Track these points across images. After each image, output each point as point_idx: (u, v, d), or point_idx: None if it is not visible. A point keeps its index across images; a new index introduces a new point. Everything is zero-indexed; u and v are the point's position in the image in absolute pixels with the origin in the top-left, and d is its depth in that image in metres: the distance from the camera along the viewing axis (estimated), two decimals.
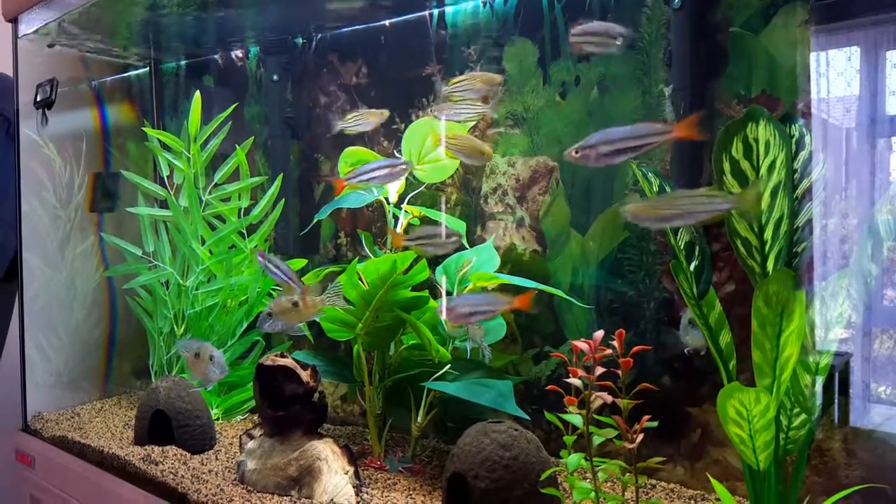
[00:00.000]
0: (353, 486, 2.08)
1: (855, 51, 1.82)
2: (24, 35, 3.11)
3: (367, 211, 2.85)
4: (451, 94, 1.98)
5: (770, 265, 1.57)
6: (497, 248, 2.40)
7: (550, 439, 2.23)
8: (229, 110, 2.98)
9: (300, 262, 2.86)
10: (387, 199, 2.43)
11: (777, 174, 1.54)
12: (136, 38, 3.33)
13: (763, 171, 1.55)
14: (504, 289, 2.39)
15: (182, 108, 3.48)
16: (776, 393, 1.53)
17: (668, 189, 1.73)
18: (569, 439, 1.67)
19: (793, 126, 1.62)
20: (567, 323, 2.35)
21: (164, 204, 3.06)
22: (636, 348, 1.63)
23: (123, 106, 3.63)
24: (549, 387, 1.77)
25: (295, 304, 2.11)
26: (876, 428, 1.83)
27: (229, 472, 2.30)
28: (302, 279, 2.44)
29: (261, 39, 3.19)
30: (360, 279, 2.18)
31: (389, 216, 2.44)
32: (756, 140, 1.55)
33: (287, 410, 2.17)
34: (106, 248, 3.31)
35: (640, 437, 1.60)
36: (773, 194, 1.55)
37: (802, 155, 1.60)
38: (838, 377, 1.74)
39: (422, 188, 2.49)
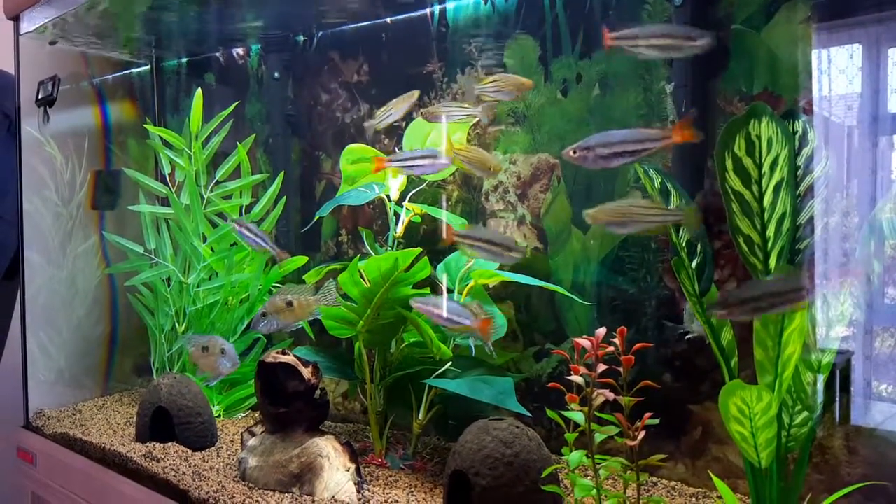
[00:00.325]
0: (355, 484, 2.08)
1: (857, 48, 1.82)
2: (26, 33, 3.11)
3: (368, 208, 2.85)
4: (483, 92, 1.97)
5: (772, 262, 1.57)
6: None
7: (552, 437, 2.23)
8: (231, 108, 2.99)
9: (301, 260, 2.86)
10: (388, 196, 2.43)
11: (780, 171, 1.54)
12: (137, 36, 3.33)
13: (766, 168, 1.54)
14: (503, 290, 2.41)
15: (183, 105, 3.48)
16: (778, 391, 1.53)
17: (670, 187, 1.73)
18: (570, 437, 1.67)
19: (795, 122, 1.62)
20: (568, 320, 2.35)
21: (165, 201, 3.06)
22: (637, 346, 1.63)
23: (125, 103, 3.63)
24: (550, 384, 1.77)
25: (289, 304, 2.12)
26: (877, 426, 1.83)
27: (231, 469, 2.30)
28: (303, 277, 2.45)
29: (262, 37, 3.19)
30: (362, 276, 2.18)
31: (391, 213, 2.44)
32: (759, 137, 1.54)
33: (288, 407, 2.17)
34: (107, 245, 3.31)
35: (642, 434, 1.60)
36: (776, 191, 1.55)
37: (805, 151, 1.60)
38: (840, 375, 1.74)
39: (423, 186, 2.49)
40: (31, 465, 2.90)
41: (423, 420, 2.31)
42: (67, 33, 3.18)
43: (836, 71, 1.84)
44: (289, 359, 2.16)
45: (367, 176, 2.49)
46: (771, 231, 1.56)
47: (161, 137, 2.98)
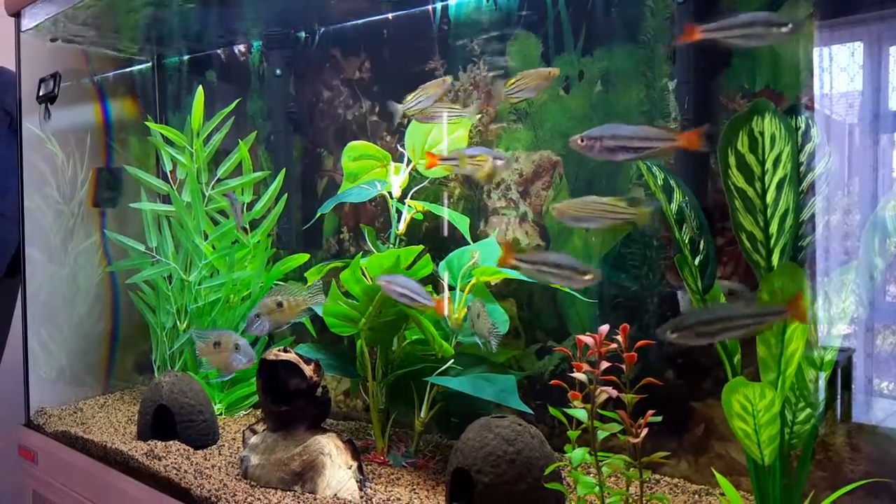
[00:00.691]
0: (357, 481, 2.08)
1: (858, 46, 1.82)
2: (27, 29, 3.10)
3: (370, 206, 2.85)
4: (510, 95, 1.95)
5: (775, 259, 1.57)
6: (500, 243, 2.39)
7: (554, 434, 2.23)
8: (232, 105, 2.98)
9: (303, 257, 2.86)
10: (390, 193, 2.43)
11: (783, 168, 1.53)
12: (138, 33, 3.33)
13: (769, 164, 1.54)
14: (505, 287, 2.41)
15: (185, 103, 3.48)
16: (781, 388, 1.53)
17: (672, 183, 1.73)
18: (573, 434, 1.66)
19: (798, 118, 1.61)
20: (570, 318, 2.35)
21: (167, 199, 3.06)
22: (640, 343, 1.63)
23: (126, 101, 3.63)
24: (552, 382, 1.77)
25: (280, 305, 2.12)
26: (879, 423, 1.83)
27: (232, 467, 2.30)
28: (305, 274, 2.45)
29: (264, 34, 3.18)
30: (364, 274, 2.18)
31: (392, 211, 2.43)
32: (762, 133, 1.54)
33: (290, 405, 2.17)
34: (108, 243, 3.31)
35: (645, 431, 1.60)
36: (779, 188, 1.54)
37: (808, 148, 1.60)
38: (842, 372, 1.74)
39: (425, 183, 2.48)
40: (33, 463, 2.90)
41: (425, 418, 2.31)
42: (68, 30, 3.17)
43: (838, 69, 1.84)
44: (290, 356, 2.16)
45: (368, 173, 2.49)
46: (774, 228, 1.56)
47: (162, 135, 2.97)
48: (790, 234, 1.55)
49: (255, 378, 2.41)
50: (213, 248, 2.93)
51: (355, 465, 2.11)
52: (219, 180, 2.95)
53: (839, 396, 1.79)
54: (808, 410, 1.60)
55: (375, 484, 2.15)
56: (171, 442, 2.50)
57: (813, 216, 1.61)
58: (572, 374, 1.64)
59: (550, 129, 2.36)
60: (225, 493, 2.07)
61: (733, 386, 1.50)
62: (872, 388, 1.83)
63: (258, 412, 2.92)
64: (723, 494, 1.72)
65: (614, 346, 1.63)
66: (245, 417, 2.92)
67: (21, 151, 3.12)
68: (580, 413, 1.64)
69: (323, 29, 3.02)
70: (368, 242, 2.52)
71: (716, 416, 2.05)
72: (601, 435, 1.63)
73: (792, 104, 1.84)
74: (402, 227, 2.44)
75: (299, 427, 2.18)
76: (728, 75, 2.00)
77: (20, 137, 3.11)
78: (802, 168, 1.60)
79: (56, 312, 3.28)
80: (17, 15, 3.11)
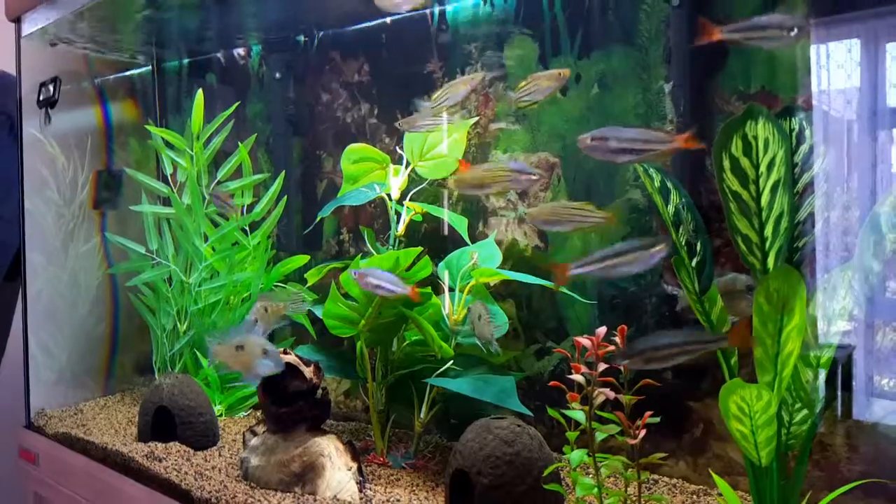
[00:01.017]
0: (357, 483, 2.09)
1: (855, 43, 1.82)
2: (28, 34, 3.11)
3: (370, 207, 2.86)
4: (520, 99, 1.95)
5: (771, 262, 1.58)
6: (499, 244, 2.40)
7: (553, 435, 2.24)
8: (232, 108, 2.99)
9: (303, 259, 2.87)
10: (389, 195, 2.43)
11: (776, 171, 1.54)
12: (138, 37, 3.33)
13: (763, 168, 1.55)
14: (504, 288, 2.41)
15: (185, 106, 3.48)
16: (777, 389, 1.54)
17: (669, 185, 1.73)
18: (571, 435, 1.67)
19: (793, 119, 1.62)
20: (569, 319, 2.36)
21: (167, 201, 3.07)
22: None
23: (126, 104, 3.63)
24: (551, 383, 1.77)
25: (265, 310, 2.14)
26: (878, 422, 1.83)
27: (233, 468, 2.31)
28: (305, 276, 2.46)
29: (263, 37, 3.19)
30: None
31: (392, 212, 2.44)
32: (755, 138, 1.55)
33: (290, 407, 2.17)
34: (109, 245, 3.32)
35: (643, 432, 1.60)
36: (773, 191, 1.55)
37: (803, 149, 1.61)
38: (841, 371, 1.75)
39: (424, 184, 2.49)
40: (33, 465, 2.90)
41: (425, 419, 2.32)
42: (69, 34, 3.18)
43: (835, 66, 1.84)
44: (290, 358, 2.17)
45: (368, 176, 2.50)
46: (769, 230, 1.57)
47: (162, 138, 2.98)
48: (785, 237, 1.56)
49: None
50: (213, 249, 2.94)
51: (355, 466, 2.12)
52: (219, 183, 2.96)
53: (838, 395, 1.80)
54: (805, 411, 1.61)
55: (375, 485, 2.15)
56: (171, 443, 2.51)
57: (809, 217, 1.62)
58: (571, 376, 1.65)
59: (548, 132, 2.37)
60: (225, 495, 2.08)
61: (730, 387, 1.51)
62: (873, 385, 1.84)
63: (258, 413, 2.93)
64: (721, 495, 1.73)
65: (612, 347, 1.64)
66: (245, 419, 2.93)
67: (21, 155, 3.12)
68: (578, 414, 1.65)
69: (322, 32, 3.02)
70: (368, 244, 2.52)
71: (714, 416, 2.05)
72: (599, 436, 1.64)
73: (787, 105, 1.84)
74: (401, 228, 2.44)
75: (299, 428, 2.18)
76: (723, 77, 2.01)
77: (21, 141, 3.12)
78: (798, 170, 1.60)
79: (56, 314, 3.29)
80: (17, 20, 3.11)
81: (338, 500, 2.03)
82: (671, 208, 1.70)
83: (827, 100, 1.85)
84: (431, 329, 2.15)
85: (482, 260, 2.27)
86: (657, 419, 1.63)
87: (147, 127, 3.03)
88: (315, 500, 2.03)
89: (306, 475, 2.08)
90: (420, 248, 2.16)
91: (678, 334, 1.54)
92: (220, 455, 2.46)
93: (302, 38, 3.09)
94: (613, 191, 2.22)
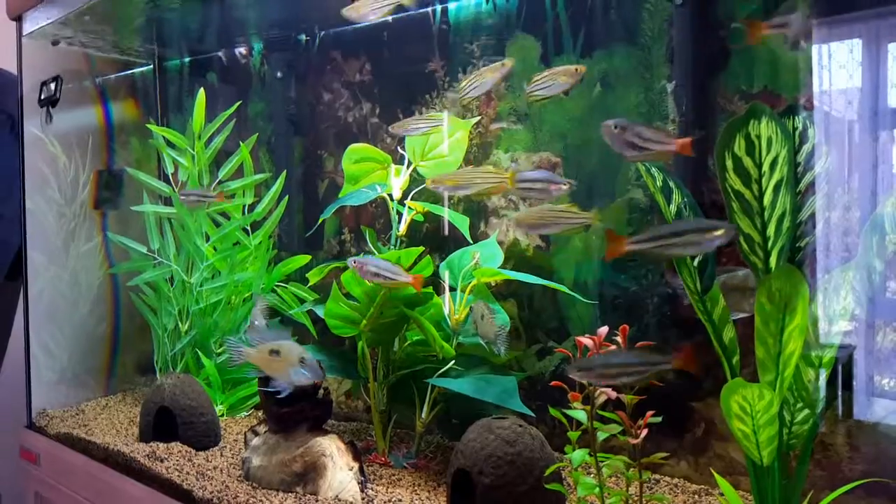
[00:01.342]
0: (358, 483, 2.09)
1: (857, 43, 1.82)
2: (29, 33, 3.11)
3: (371, 207, 2.86)
4: (532, 93, 1.90)
5: (773, 261, 1.57)
6: (500, 244, 2.40)
7: (554, 435, 2.24)
8: (233, 108, 2.99)
9: (304, 259, 2.87)
10: (390, 195, 2.43)
11: (779, 171, 1.54)
12: (140, 36, 3.33)
13: (765, 167, 1.55)
14: (506, 288, 2.41)
15: (186, 105, 3.48)
16: (779, 388, 1.54)
17: (671, 185, 1.73)
18: (573, 435, 1.67)
19: (795, 119, 1.62)
20: (571, 318, 2.35)
21: (168, 201, 3.07)
22: (639, 344, 1.63)
23: (127, 103, 3.64)
24: (553, 383, 1.77)
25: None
26: (880, 421, 1.83)
27: (234, 468, 2.31)
28: (307, 275, 2.46)
29: (264, 37, 3.19)
30: None
31: (393, 212, 2.44)
32: (758, 137, 1.54)
33: (292, 407, 2.17)
34: (110, 244, 3.32)
35: (644, 432, 1.60)
36: (776, 190, 1.55)
37: (805, 148, 1.61)
38: (842, 371, 1.74)
39: (425, 184, 2.49)
40: (35, 464, 2.90)
41: (427, 419, 2.31)
42: (70, 33, 3.18)
43: (837, 66, 1.84)
44: None
45: (369, 176, 2.50)
46: (771, 230, 1.56)
47: (164, 137, 2.98)
48: (788, 236, 1.56)
49: (256, 379, 2.42)
50: (215, 249, 2.94)
51: (357, 466, 2.12)
52: (220, 182, 2.96)
53: (839, 395, 1.80)
54: (807, 411, 1.61)
55: (377, 485, 2.15)
56: (172, 443, 2.51)
57: (811, 216, 1.61)
58: (572, 375, 1.65)
59: (550, 131, 2.37)
60: (227, 495, 2.08)
61: (732, 387, 1.51)
62: (874, 385, 1.84)
63: (260, 413, 2.93)
64: (722, 494, 1.72)
65: (613, 347, 1.64)
66: (247, 419, 2.93)
67: (22, 154, 3.12)
68: (580, 414, 1.65)
69: (323, 32, 3.02)
70: (369, 244, 2.52)
71: (716, 416, 2.05)
72: (601, 436, 1.63)
73: (789, 105, 1.84)
74: (402, 228, 2.44)
75: (301, 428, 2.18)
76: (726, 77, 2.01)
77: (21, 140, 3.12)
78: (800, 169, 1.60)
79: (58, 314, 3.29)
80: (18, 19, 3.12)
81: (339, 500, 2.03)
82: (673, 207, 1.70)
83: (829, 100, 1.85)
84: (433, 329, 2.14)
85: (484, 260, 2.27)
86: (659, 419, 1.63)
87: (148, 126, 3.03)
88: (317, 501, 2.03)
89: (308, 475, 2.08)
90: (421, 248, 2.16)
91: (629, 355, 1.55)
92: (221, 455, 2.46)
93: (304, 37, 3.09)
94: (615, 190, 2.22)
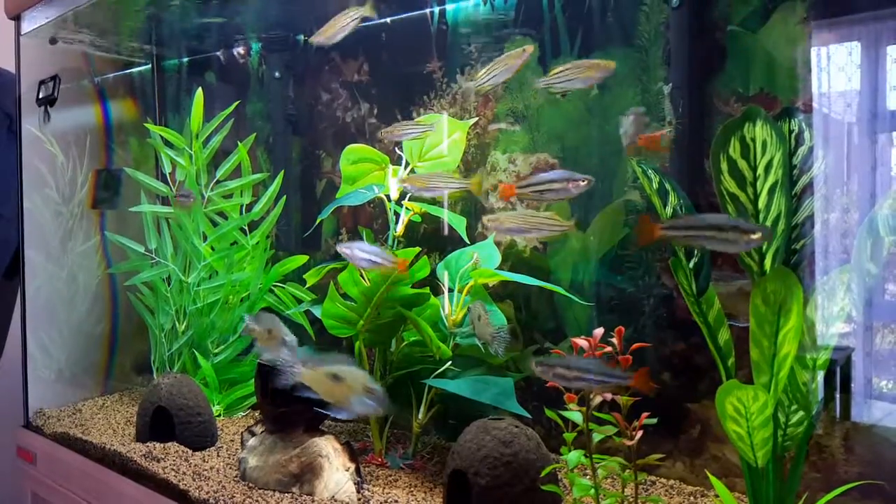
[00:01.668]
0: (355, 483, 2.09)
1: (855, 45, 1.82)
2: (27, 32, 3.11)
3: (369, 207, 2.86)
4: (550, 85, 1.80)
5: (768, 263, 1.58)
6: (498, 245, 2.40)
7: (550, 436, 2.24)
8: (231, 107, 2.99)
9: (302, 259, 2.87)
10: (388, 195, 2.43)
11: (774, 173, 1.54)
12: (138, 35, 3.34)
13: (760, 170, 1.55)
14: (503, 289, 2.41)
15: (184, 104, 3.49)
16: (774, 390, 1.54)
17: (668, 187, 1.73)
18: (569, 436, 1.68)
19: (792, 121, 1.62)
20: (567, 319, 2.36)
21: (166, 200, 3.07)
22: (635, 345, 1.64)
23: (126, 102, 3.64)
24: (549, 384, 1.77)
25: (268, 334, 2.12)
26: (876, 423, 1.83)
27: (231, 468, 2.31)
28: (304, 276, 2.46)
29: (263, 36, 3.19)
30: (362, 276, 2.19)
31: (390, 213, 2.44)
32: (753, 140, 1.55)
33: (288, 407, 2.17)
34: (108, 244, 3.32)
35: (640, 433, 1.61)
36: (771, 193, 1.55)
37: (801, 151, 1.61)
38: (839, 372, 1.75)
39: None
40: (31, 464, 2.91)
41: (423, 419, 2.32)
42: (68, 32, 3.18)
43: (835, 68, 1.85)
44: None
45: (367, 176, 2.50)
46: None
47: (162, 136, 2.98)
48: (782, 239, 1.56)
49: (253, 379, 2.42)
50: (212, 249, 2.94)
51: (353, 466, 2.12)
52: (218, 182, 2.96)
53: (836, 397, 1.80)
54: (802, 413, 1.61)
55: (373, 486, 2.15)
56: (169, 443, 2.51)
57: (807, 219, 1.62)
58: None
59: (547, 132, 2.37)
60: (223, 495, 2.08)
61: (727, 389, 1.51)
62: (871, 387, 1.84)
63: (256, 414, 2.93)
64: (717, 496, 1.73)
65: (609, 348, 1.64)
66: (243, 419, 2.93)
67: (20, 153, 3.12)
68: (576, 416, 1.65)
69: None
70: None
71: (711, 417, 2.05)
72: (597, 437, 1.64)
73: (786, 107, 1.85)
74: (400, 229, 2.44)
75: (297, 429, 2.18)
76: (722, 79, 2.01)
77: (20, 139, 3.12)
78: (796, 171, 1.60)
79: (55, 313, 3.29)
80: (16, 18, 3.12)
81: (336, 500, 2.04)
82: (669, 210, 1.70)
83: (826, 102, 1.86)
84: (430, 330, 2.15)
85: (481, 260, 2.27)
86: (654, 420, 1.63)
87: (146, 125, 3.03)
88: (313, 501, 2.03)
89: (304, 476, 2.09)
90: (418, 249, 2.16)
91: (590, 363, 1.54)
92: (218, 455, 2.46)
93: (302, 36, 3.09)
94: (612, 192, 2.22)
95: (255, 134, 3.03)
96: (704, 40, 2.03)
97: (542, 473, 1.77)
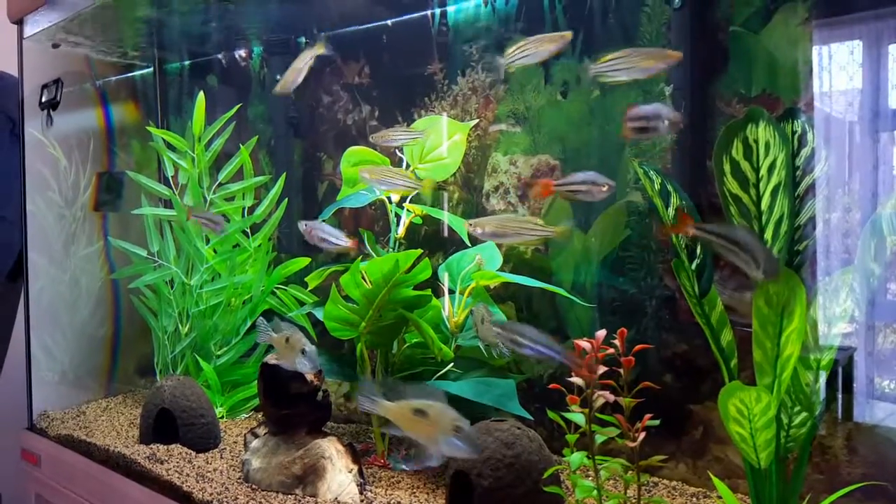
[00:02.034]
0: (357, 485, 2.09)
1: (857, 45, 1.82)
2: (30, 36, 3.12)
3: (370, 210, 2.86)
4: (602, 73, 1.70)
5: None
6: (499, 247, 2.40)
7: (553, 437, 2.24)
8: (233, 110, 3.00)
9: (304, 261, 2.87)
10: (389, 198, 2.44)
11: (777, 174, 1.54)
12: (140, 39, 3.34)
13: (763, 171, 1.55)
14: (504, 290, 2.42)
15: (186, 108, 3.49)
16: (777, 391, 1.54)
17: (670, 188, 1.73)
18: (571, 438, 1.67)
19: (795, 122, 1.62)
20: (569, 321, 2.36)
21: (168, 203, 3.07)
22: (638, 347, 1.63)
23: (128, 106, 3.65)
24: (551, 385, 1.77)
25: (286, 341, 2.12)
26: (879, 424, 1.83)
27: (234, 470, 2.31)
28: (306, 279, 2.47)
29: (264, 39, 3.20)
30: (364, 278, 2.19)
31: (392, 215, 2.44)
32: (756, 141, 1.55)
33: (291, 409, 2.17)
34: (111, 248, 3.32)
35: (643, 435, 1.60)
36: (774, 194, 1.55)
37: (804, 152, 1.61)
38: (842, 373, 1.75)
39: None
40: (35, 466, 2.91)
41: None
42: (71, 36, 3.19)
43: (837, 67, 1.84)
44: None
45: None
46: (769, 234, 1.57)
47: (164, 139, 2.99)
48: (785, 240, 1.56)
49: (256, 381, 2.42)
50: (215, 252, 2.94)
51: (356, 468, 2.12)
52: (220, 185, 2.96)
53: (839, 398, 1.80)
54: (805, 414, 1.61)
55: (376, 487, 2.15)
56: (172, 445, 2.51)
57: (810, 220, 1.62)
58: (571, 378, 1.65)
59: (548, 134, 2.37)
60: (226, 497, 2.08)
61: (730, 390, 1.51)
62: (874, 388, 1.84)
63: (259, 416, 2.93)
64: (720, 497, 1.72)
65: (611, 350, 1.64)
66: (246, 421, 2.93)
67: (23, 156, 3.13)
68: (578, 417, 1.65)
69: (323, 34, 3.02)
70: (368, 247, 2.52)
71: (714, 418, 2.05)
72: (599, 439, 1.64)
73: (788, 108, 1.84)
74: (401, 230, 2.44)
75: (300, 430, 2.19)
76: (724, 80, 2.01)
77: (22, 142, 3.13)
78: (799, 172, 1.60)
79: (58, 316, 3.29)
80: (19, 22, 3.12)
81: (339, 502, 2.04)
82: (671, 211, 1.70)
83: (829, 102, 1.86)
84: (431, 331, 2.15)
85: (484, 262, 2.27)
86: (657, 422, 1.63)
87: (148, 129, 3.04)
88: (316, 503, 2.03)
89: (307, 477, 2.09)
90: (420, 251, 2.16)
91: (543, 337, 1.62)
92: (221, 457, 2.46)
93: (303, 39, 3.09)
94: (614, 193, 2.22)
95: (256, 137, 3.03)
96: (706, 41, 2.03)
97: (545, 475, 1.77)
